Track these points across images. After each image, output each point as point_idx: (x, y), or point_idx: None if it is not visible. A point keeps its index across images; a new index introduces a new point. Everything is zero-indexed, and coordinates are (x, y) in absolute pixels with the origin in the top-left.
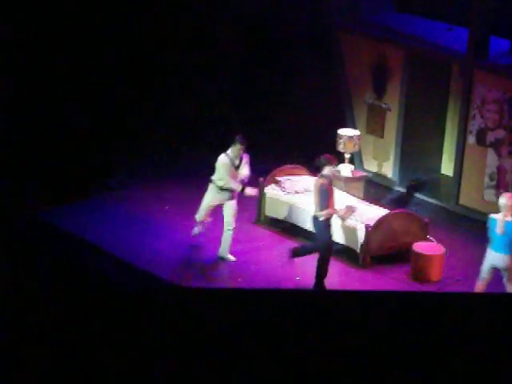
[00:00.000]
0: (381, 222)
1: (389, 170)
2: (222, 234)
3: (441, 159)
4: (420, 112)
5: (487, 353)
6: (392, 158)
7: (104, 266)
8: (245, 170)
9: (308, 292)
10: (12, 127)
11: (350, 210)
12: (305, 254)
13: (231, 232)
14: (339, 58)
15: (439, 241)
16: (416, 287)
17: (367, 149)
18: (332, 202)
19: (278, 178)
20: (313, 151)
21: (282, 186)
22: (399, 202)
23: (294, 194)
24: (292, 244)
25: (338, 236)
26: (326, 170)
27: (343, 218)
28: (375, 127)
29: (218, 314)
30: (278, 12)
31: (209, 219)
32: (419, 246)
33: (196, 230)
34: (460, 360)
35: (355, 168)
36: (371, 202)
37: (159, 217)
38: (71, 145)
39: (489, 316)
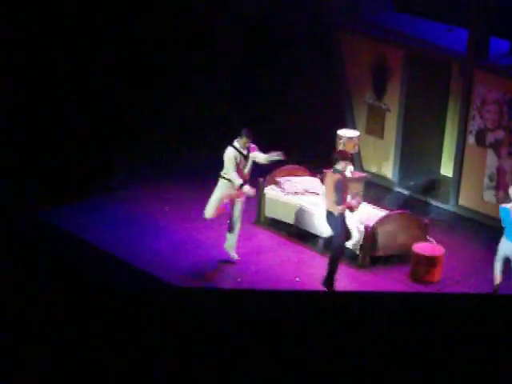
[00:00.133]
0: (380, 222)
1: (388, 170)
2: (223, 232)
3: (440, 160)
4: (420, 112)
5: (487, 353)
6: (392, 158)
7: (104, 267)
8: (260, 156)
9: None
10: (12, 127)
11: (358, 199)
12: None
13: (238, 229)
14: (339, 58)
15: (439, 242)
16: (415, 288)
17: (367, 149)
18: (345, 196)
19: (278, 179)
20: (313, 151)
21: (282, 186)
22: (399, 203)
23: (294, 194)
24: (292, 244)
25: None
26: (340, 165)
27: (353, 209)
28: (375, 128)
29: (217, 315)
30: (278, 12)
31: (216, 214)
32: (419, 247)
33: (233, 255)
34: (460, 360)
35: (355, 169)
36: (370, 203)
37: (159, 217)
38: (71, 145)
39: (488, 316)
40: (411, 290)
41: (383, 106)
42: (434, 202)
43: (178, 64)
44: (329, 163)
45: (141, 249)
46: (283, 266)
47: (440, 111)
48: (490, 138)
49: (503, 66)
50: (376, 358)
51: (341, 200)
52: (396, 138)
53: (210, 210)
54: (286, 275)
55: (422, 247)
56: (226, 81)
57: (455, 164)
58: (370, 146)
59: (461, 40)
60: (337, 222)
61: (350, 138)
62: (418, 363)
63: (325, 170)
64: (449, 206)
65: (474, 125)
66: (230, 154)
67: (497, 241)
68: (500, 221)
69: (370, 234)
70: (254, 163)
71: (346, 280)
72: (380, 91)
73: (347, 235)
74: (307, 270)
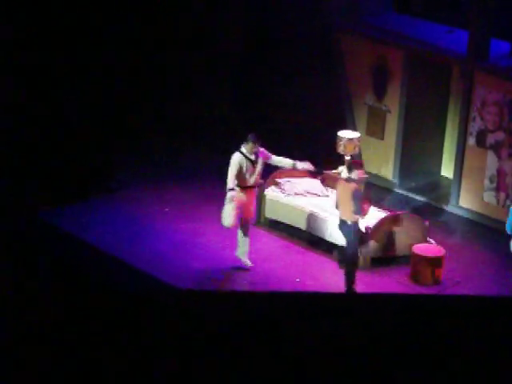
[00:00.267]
0: (381, 223)
1: (389, 171)
2: (223, 232)
3: (441, 161)
4: (420, 114)
5: (487, 354)
6: (392, 159)
7: (104, 267)
8: (285, 162)
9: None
10: (12, 127)
11: (368, 204)
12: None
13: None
14: (339, 59)
15: (439, 243)
16: (416, 289)
17: (367, 151)
18: (363, 206)
19: (278, 180)
20: (313, 152)
21: (282, 187)
22: (399, 204)
23: (294, 195)
24: (291, 245)
25: (338, 237)
26: (354, 174)
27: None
28: (375, 129)
29: (217, 316)
30: (278, 12)
31: (235, 222)
32: (419, 248)
33: (246, 261)
34: (460, 361)
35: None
36: (371, 204)
37: (159, 218)
38: (71, 145)
39: (489, 318)
40: (411, 291)
41: (383, 108)
42: (434, 203)
43: (177, 64)
44: (329, 163)
45: (141, 249)
46: (285, 268)
47: (440, 112)
48: (491, 139)
49: (503, 67)
50: (376, 359)
51: (359, 210)
52: (396, 139)
53: (227, 218)
54: (287, 276)
55: (422, 248)
56: (226, 81)
57: (455, 165)
58: (370, 148)
59: (461, 41)
60: (350, 229)
61: (351, 140)
62: (418, 364)
63: (325, 171)
64: (449, 207)
65: (475, 126)
66: (235, 160)
67: (497, 241)
68: (500, 222)
69: (370, 236)
70: (266, 165)
71: None
72: (380, 92)
73: (360, 242)
74: (307, 271)
